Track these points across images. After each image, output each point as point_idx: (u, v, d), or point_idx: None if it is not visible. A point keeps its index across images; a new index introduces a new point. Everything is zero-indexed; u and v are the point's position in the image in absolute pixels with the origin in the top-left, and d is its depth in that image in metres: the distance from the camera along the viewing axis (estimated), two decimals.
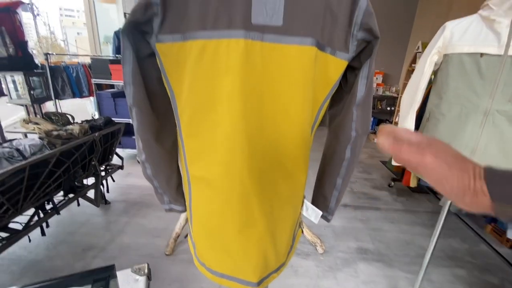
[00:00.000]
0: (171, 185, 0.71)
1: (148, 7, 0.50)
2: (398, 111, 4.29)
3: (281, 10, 0.49)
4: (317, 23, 0.51)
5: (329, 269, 1.68)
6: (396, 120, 4.27)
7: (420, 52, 3.79)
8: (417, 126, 1.12)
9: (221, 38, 0.49)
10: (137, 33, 0.54)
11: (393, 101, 4.53)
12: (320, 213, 0.71)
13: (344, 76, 0.62)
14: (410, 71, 4.02)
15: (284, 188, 0.62)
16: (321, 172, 0.74)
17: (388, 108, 4.57)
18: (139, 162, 3.06)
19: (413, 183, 1.87)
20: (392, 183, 2.87)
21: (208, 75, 0.52)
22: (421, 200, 2.63)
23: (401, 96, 4.20)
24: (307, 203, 0.72)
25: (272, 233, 0.63)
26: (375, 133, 4.62)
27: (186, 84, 0.55)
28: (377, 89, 4.37)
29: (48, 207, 1.67)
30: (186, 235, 0.80)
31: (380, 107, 4.58)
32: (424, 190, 2.68)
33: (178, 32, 0.51)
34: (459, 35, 0.95)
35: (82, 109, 5.95)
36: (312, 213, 0.70)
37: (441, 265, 1.77)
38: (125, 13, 4.41)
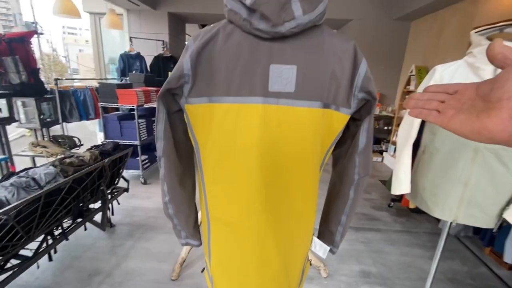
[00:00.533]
0: (190, 223, 0.77)
1: (181, 77, 0.58)
2: (396, 130, 4.41)
3: (293, 80, 0.58)
4: (324, 89, 0.60)
5: None
6: (394, 139, 4.38)
7: (413, 75, 3.96)
8: (413, 157, 1.20)
9: (243, 103, 0.58)
10: (168, 95, 0.63)
11: (390, 120, 4.66)
12: (328, 248, 0.78)
13: (347, 125, 0.70)
14: (405, 93, 4.18)
15: (297, 230, 0.68)
16: (327, 209, 0.80)
17: (385, 128, 4.70)
18: (142, 183, 3.11)
19: (412, 204, 1.93)
20: (392, 203, 2.92)
21: (231, 131, 0.60)
22: (420, 220, 2.68)
23: (397, 116, 4.33)
24: (316, 240, 0.78)
25: (286, 270, 0.70)
26: (373, 151, 4.71)
27: (210, 138, 0.63)
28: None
29: (56, 232, 1.70)
30: (203, 269, 0.85)
31: (377, 126, 4.70)
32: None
33: (205, 95, 0.59)
34: (448, 79, 1.05)
35: (82, 127, 6.04)
36: (320, 249, 0.76)
37: None
38: (130, 37, 4.59)
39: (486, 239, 1.83)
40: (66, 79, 3.94)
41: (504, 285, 1.83)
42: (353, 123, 0.70)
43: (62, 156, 1.93)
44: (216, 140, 0.62)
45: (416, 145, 1.24)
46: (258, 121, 0.59)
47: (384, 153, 4.57)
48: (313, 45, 0.58)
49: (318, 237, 0.83)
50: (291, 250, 0.69)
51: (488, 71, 0.98)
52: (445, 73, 1.06)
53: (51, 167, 1.57)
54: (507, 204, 1.05)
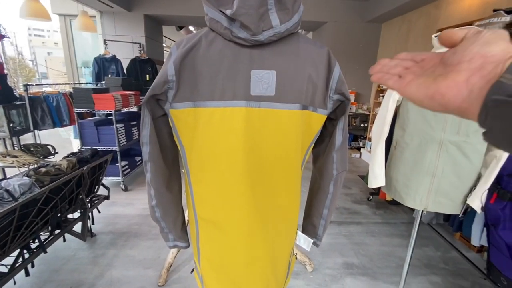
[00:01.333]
0: (177, 225, 0.79)
1: (165, 83, 0.60)
2: (371, 127, 4.62)
3: (273, 84, 0.62)
4: (302, 92, 0.64)
5: (318, 286, 1.77)
6: (370, 135, 4.58)
7: None
8: (386, 152, 1.29)
9: (227, 106, 0.61)
10: (152, 101, 0.64)
11: (366, 117, 4.87)
12: (311, 241, 0.82)
13: (324, 124, 0.75)
14: (379, 91, 4.39)
15: (283, 226, 0.72)
16: (309, 204, 0.85)
17: (362, 125, 4.90)
18: (123, 190, 3.03)
19: (388, 197, 2.05)
20: (371, 196, 3.06)
21: (216, 134, 0.63)
22: (397, 211, 2.84)
23: (372, 114, 4.54)
24: (300, 234, 0.82)
25: (274, 265, 0.73)
26: (351, 148, 4.90)
27: (196, 141, 0.65)
28: (350, 108, 4.69)
29: (33, 245, 1.62)
30: (192, 270, 0.87)
31: (354, 124, 4.90)
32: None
33: (189, 100, 0.62)
34: None
35: (55, 134, 5.75)
36: (304, 242, 0.81)
37: (419, 274, 1.92)
38: (105, 40, 4.45)
39: (455, 225, 1.98)
40: (36, 84, 3.74)
41: (473, 266, 1.99)
42: (330, 122, 0.75)
43: (37, 165, 1.85)
44: (201, 142, 0.64)
45: (390, 141, 1.32)
46: (242, 123, 0.62)
47: (362, 149, 4.77)
48: (290, 51, 0.63)
49: (302, 232, 0.88)
50: (278, 245, 0.73)
51: None
52: None
53: (26, 178, 1.50)
54: (470, 191, 1.16)
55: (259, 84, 0.61)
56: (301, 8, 0.60)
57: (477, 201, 1.09)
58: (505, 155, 1.08)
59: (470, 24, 2.26)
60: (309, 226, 0.86)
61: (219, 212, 0.67)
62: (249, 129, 0.63)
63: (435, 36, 1.13)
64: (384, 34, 4.66)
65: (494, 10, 2.02)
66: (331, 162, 0.75)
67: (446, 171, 1.12)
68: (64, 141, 5.30)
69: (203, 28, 0.63)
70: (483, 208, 1.09)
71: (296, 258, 0.92)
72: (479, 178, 1.14)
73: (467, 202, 1.14)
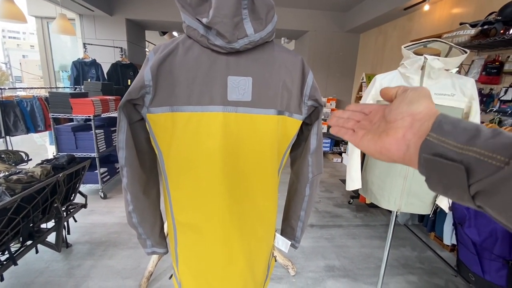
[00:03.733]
0: (155, 231, 0.78)
1: (142, 88, 0.61)
2: None
3: (249, 90, 0.64)
4: (277, 98, 0.67)
5: None
6: None
7: (364, 82, 4.35)
8: (362, 158, 1.34)
9: (205, 111, 0.62)
10: (129, 105, 0.65)
11: None
12: (289, 243, 0.84)
13: (301, 129, 0.78)
14: (358, 98, 4.56)
15: (260, 228, 0.74)
16: (287, 207, 0.88)
17: None
18: (102, 198, 2.93)
19: (368, 200, 2.11)
20: (351, 200, 3.15)
21: (193, 139, 0.64)
22: (376, 214, 2.93)
23: None
24: (278, 236, 0.84)
25: (251, 267, 0.74)
26: (333, 153, 5.02)
27: (173, 145, 0.65)
28: (332, 114, 4.82)
29: (3, 258, 1.53)
30: (171, 276, 0.86)
31: None
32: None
33: (167, 105, 0.63)
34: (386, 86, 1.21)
35: (30, 140, 5.48)
36: (282, 244, 0.83)
37: (396, 274, 1.99)
38: (84, 44, 4.34)
39: (429, 225, 2.08)
40: (8, 88, 3.56)
41: (446, 264, 2.09)
42: (306, 127, 0.79)
43: (8, 173, 1.75)
44: (179, 147, 0.65)
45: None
46: (219, 127, 0.63)
47: (343, 154, 4.90)
48: (265, 59, 0.65)
49: (281, 235, 0.90)
50: (256, 248, 0.74)
51: (416, 80, 1.15)
52: (384, 82, 1.22)
53: None
54: None
55: (235, 90, 0.63)
56: (274, 18, 0.63)
57: (444, 201, 1.16)
58: None
59: (439, 36, 2.42)
60: (287, 229, 0.88)
61: (197, 216, 0.68)
62: (226, 133, 0.64)
63: (404, 47, 1.21)
64: (362, 44, 4.87)
65: (461, 24, 2.18)
66: (306, 166, 0.78)
67: (417, 173, 1.18)
68: (39, 147, 5.05)
69: (181, 35, 0.65)
70: (450, 208, 1.16)
71: (275, 260, 0.94)
72: None
73: (436, 202, 1.21)
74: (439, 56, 1.16)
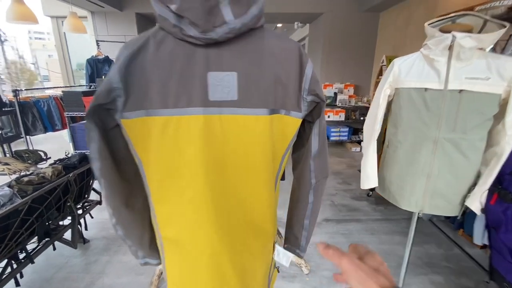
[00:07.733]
0: (144, 243, 0.72)
1: (110, 91, 0.53)
2: None
3: (235, 88, 0.54)
4: (269, 95, 0.57)
5: None
6: None
7: (384, 65, 4.04)
8: (379, 153, 1.21)
9: (182, 115, 0.54)
10: (101, 110, 0.57)
11: (366, 110, 4.75)
12: (291, 255, 0.75)
13: (303, 127, 0.68)
14: (377, 83, 4.27)
15: (255, 243, 0.65)
16: (290, 215, 0.78)
17: (362, 118, 4.79)
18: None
19: None
20: (371, 192, 2.98)
21: (172, 146, 0.56)
22: (398, 207, 2.75)
23: None
24: (278, 248, 0.76)
25: (246, 285, 0.67)
26: (351, 141, 4.80)
27: (152, 154, 0.58)
28: (349, 101, 4.58)
29: (21, 256, 1.59)
30: None
31: (354, 117, 4.79)
32: None
33: (141, 108, 0.55)
34: (405, 72, 1.05)
35: (59, 137, 5.73)
36: (283, 257, 0.74)
37: (420, 273, 1.85)
38: (97, 41, 4.38)
39: (456, 223, 1.90)
40: (35, 88, 3.71)
41: (477, 264, 1.91)
42: (308, 125, 0.68)
43: (28, 172, 1.80)
44: (158, 156, 0.58)
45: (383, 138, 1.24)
46: (200, 133, 0.55)
47: (362, 143, 4.67)
48: (253, 50, 0.55)
49: (285, 242, 0.81)
50: (250, 265, 0.66)
51: (442, 62, 0.99)
52: (403, 66, 1.07)
53: (7, 188, 1.45)
54: (469, 191, 1.08)
55: (218, 88, 0.54)
56: None
57: (476, 202, 1.01)
58: (506, 152, 1.00)
59: (471, 9, 2.14)
60: (291, 237, 0.80)
61: (182, 231, 0.61)
62: (209, 139, 0.56)
63: (428, 24, 1.04)
64: (382, 24, 4.51)
65: None
66: (308, 171, 0.68)
67: (442, 171, 1.04)
68: (67, 144, 5.28)
69: (152, 28, 0.56)
70: (483, 210, 1.01)
71: (278, 271, 0.86)
72: (478, 177, 1.06)
73: (466, 203, 1.06)
74: (471, 32, 0.98)
